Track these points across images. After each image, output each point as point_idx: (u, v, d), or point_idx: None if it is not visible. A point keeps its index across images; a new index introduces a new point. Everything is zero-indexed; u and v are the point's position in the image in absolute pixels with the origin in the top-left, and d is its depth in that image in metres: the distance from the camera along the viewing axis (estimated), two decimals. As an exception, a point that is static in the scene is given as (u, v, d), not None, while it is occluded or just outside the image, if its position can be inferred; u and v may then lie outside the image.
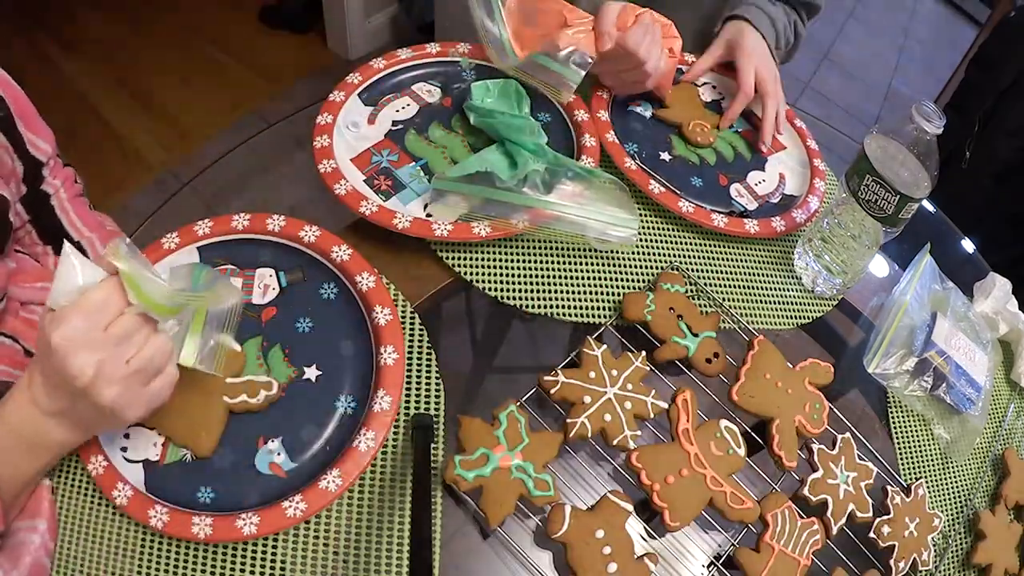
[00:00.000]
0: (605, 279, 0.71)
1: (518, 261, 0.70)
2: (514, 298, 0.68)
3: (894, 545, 0.60)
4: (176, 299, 0.46)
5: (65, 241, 0.47)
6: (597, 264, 0.72)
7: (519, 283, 0.69)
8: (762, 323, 0.73)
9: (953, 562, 0.66)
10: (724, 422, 0.60)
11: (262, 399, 0.56)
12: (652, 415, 0.60)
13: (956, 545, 0.67)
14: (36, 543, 0.51)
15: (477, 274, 0.69)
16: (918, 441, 0.71)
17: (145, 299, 0.45)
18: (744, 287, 0.75)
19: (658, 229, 0.77)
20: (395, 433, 0.58)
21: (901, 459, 0.69)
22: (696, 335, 0.65)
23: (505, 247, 0.71)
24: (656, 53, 0.76)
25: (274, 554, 0.53)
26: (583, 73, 0.74)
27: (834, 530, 0.59)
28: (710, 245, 0.77)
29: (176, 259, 0.64)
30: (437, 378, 0.62)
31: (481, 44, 0.83)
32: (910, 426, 0.72)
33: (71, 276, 0.44)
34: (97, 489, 0.54)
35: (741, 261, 0.77)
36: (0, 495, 0.47)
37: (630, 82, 0.80)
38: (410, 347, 0.63)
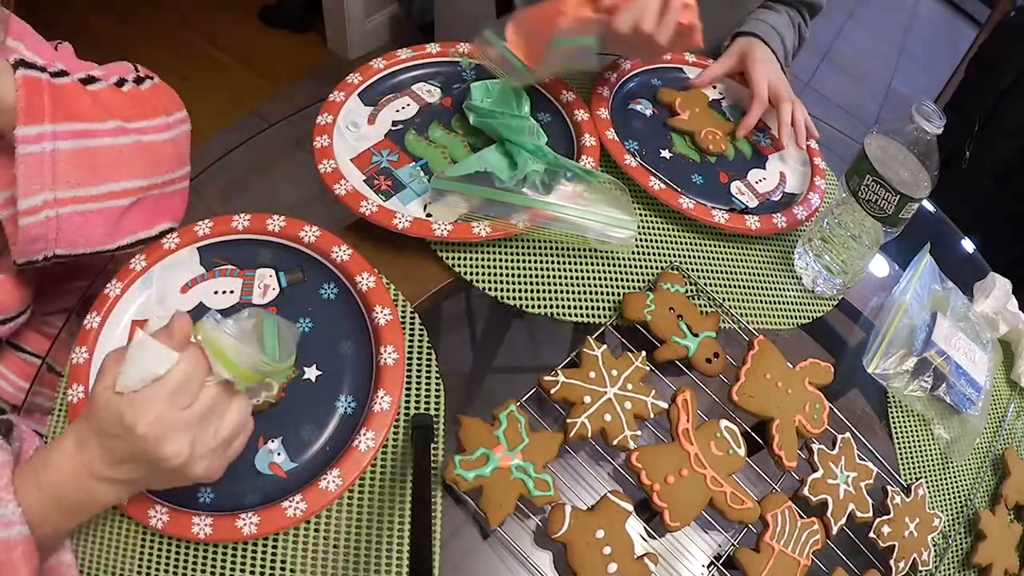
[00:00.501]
0: (605, 279, 0.71)
1: (518, 261, 0.70)
2: (514, 298, 0.68)
3: (894, 545, 0.60)
4: (261, 367, 0.45)
5: (138, 328, 0.45)
6: (597, 264, 0.72)
7: (519, 283, 0.69)
8: (762, 323, 0.73)
9: (953, 562, 0.66)
10: (724, 422, 0.60)
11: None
12: (652, 415, 0.60)
13: (956, 545, 0.67)
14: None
15: (477, 274, 0.69)
16: (918, 441, 0.71)
17: (236, 370, 0.44)
18: (744, 287, 0.75)
19: (658, 229, 0.76)
20: (395, 433, 0.58)
21: (901, 459, 0.69)
22: (696, 335, 0.65)
23: (505, 247, 0.71)
24: (658, 24, 0.68)
25: (274, 554, 0.53)
26: (596, 36, 0.70)
27: (834, 530, 0.59)
28: (710, 245, 0.77)
29: (176, 259, 0.64)
30: (437, 378, 0.62)
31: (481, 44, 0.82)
32: (910, 426, 0.72)
33: (146, 362, 0.42)
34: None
35: (741, 261, 0.77)
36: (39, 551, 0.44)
37: (647, 53, 0.76)
38: (410, 347, 0.63)
